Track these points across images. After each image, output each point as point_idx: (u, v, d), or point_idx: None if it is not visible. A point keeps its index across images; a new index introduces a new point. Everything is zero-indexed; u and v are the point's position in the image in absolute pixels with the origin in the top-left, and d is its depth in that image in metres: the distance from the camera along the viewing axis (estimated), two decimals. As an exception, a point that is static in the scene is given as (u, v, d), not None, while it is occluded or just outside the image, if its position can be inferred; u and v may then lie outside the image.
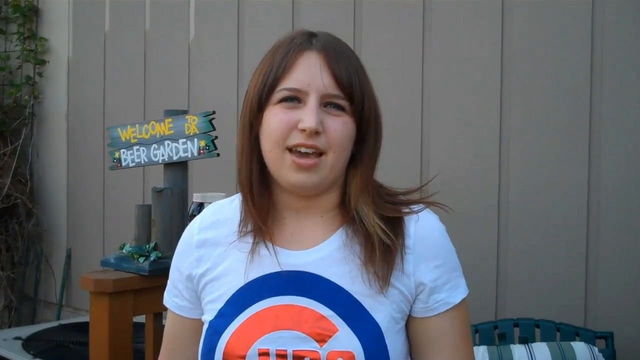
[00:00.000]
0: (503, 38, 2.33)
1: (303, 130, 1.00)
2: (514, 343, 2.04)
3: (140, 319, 2.16)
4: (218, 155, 2.06)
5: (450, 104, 2.46)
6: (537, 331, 2.11)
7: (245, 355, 1.01)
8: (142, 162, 2.23)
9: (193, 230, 1.16)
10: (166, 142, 2.14)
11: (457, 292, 1.07)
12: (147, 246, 2.08)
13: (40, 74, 4.01)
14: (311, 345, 1.00)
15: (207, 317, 1.10)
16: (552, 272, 2.25)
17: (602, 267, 2.17)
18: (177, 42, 3.31)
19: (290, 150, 1.02)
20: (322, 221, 1.09)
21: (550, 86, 2.25)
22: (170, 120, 2.13)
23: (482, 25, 2.38)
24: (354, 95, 1.02)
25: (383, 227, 1.03)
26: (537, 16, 2.27)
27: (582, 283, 2.19)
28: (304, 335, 1.00)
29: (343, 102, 1.02)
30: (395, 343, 1.03)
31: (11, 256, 3.99)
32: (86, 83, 3.79)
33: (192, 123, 2.09)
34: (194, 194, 2.27)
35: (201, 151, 2.08)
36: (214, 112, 2.07)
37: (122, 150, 2.26)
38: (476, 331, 2.14)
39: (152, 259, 2.03)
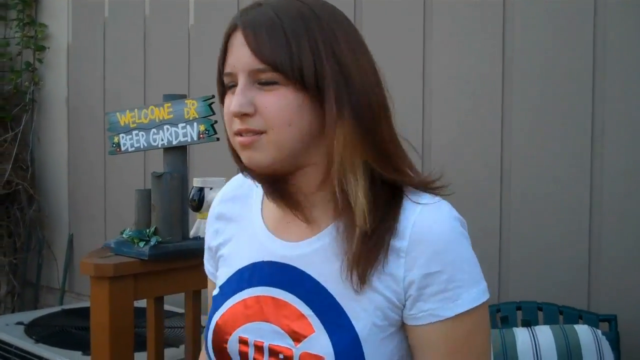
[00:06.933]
0: (505, 21, 2.31)
1: None
2: (516, 326, 2.04)
3: (141, 303, 2.15)
4: (218, 139, 2.04)
5: (452, 89, 2.44)
6: (540, 314, 2.10)
7: (228, 339, 1.01)
8: (142, 146, 2.22)
9: (215, 202, 1.17)
10: (165, 127, 2.13)
11: (453, 305, 0.92)
12: (147, 230, 2.07)
13: (40, 60, 4.00)
14: (287, 342, 0.96)
15: (217, 288, 1.10)
16: (555, 255, 2.24)
17: (605, 250, 2.15)
18: (176, 28, 3.29)
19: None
20: (312, 209, 1.01)
21: (553, 71, 2.22)
22: (169, 104, 2.12)
23: (484, 11, 2.35)
24: (280, 64, 0.91)
25: (366, 210, 0.92)
26: (540, 3, 2.25)
27: (585, 266, 2.18)
28: (282, 331, 0.97)
29: (272, 75, 0.92)
30: (378, 351, 0.95)
31: (13, 242, 3.99)
32: (86, 69, 3.77)
33: (192, 107, 2.07)
34: (194, 179, 2.25)
35: (201, 135, 2.06)
36: (213, 97, 2.05)
37: (121, 135, 2.25)
38: (478, 314, 2.13)
39: (152, 243, 2.02)
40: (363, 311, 0.94)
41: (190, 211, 2.21)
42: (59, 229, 3.95)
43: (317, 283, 0.97)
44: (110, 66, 3.63)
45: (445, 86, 2.45)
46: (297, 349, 0.95)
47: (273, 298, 0.99)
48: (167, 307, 2.52)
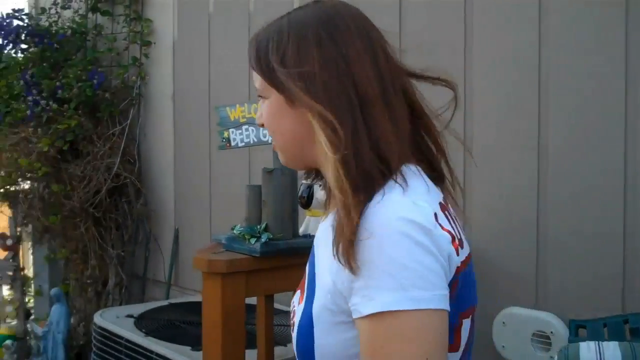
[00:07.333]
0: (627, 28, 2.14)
1: None
2: (648, 339, 1.88)
3: (251, 300, 2.13)
4: (329, 134, 1.98)
5: (570, 95, 2.28)
6: (675, 327, 1.93)
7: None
8: (252, 142, 2.20)
9: None
10: (276, 122, 2.09)
11: (368, 304, 0.91)
12: (258, 227, 2.05)
13: (146, 55, 4.07)
14: (299, 307, 1.08)
15: None
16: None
17: None
18: (281, 21, 3.26)
19: None
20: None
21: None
22: (280, 98, 2.08)
23: (605, 12, 2.19)
24: (262, 77, 1.07)
25: (340, 208, 0.96)
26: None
27: None
28: (299, 297, 1.10)
29: (260, 90, 1.08)
30: (329, 336, 0.99)
31: (121, 235, 4.10)
32: (191, 64, 3.82)
33: (303, 101, 2.03)
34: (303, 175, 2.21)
35: (312, 131, 2.01)
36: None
37: (231, 130, 2.23)
38: (604, 325, 1.99)
39: (263, 240, 2.00)
40: (320, 290, 1.01)
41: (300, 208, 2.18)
42: (165, 223, 4.02)
43: (314, 261, 1.08)
44: (215, 61, 3.65)
45: (563, 84, 2.30)
46: (296, 314, 1.08)
47: (306, 268, 1.13)
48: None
